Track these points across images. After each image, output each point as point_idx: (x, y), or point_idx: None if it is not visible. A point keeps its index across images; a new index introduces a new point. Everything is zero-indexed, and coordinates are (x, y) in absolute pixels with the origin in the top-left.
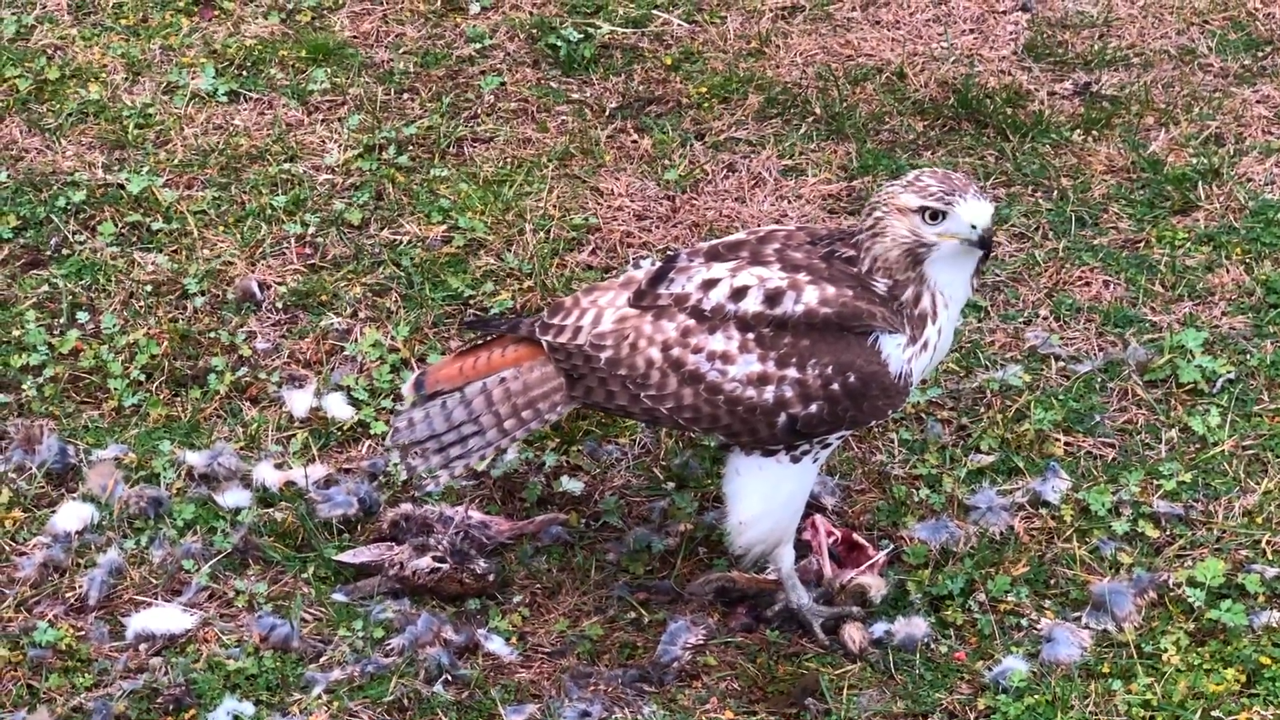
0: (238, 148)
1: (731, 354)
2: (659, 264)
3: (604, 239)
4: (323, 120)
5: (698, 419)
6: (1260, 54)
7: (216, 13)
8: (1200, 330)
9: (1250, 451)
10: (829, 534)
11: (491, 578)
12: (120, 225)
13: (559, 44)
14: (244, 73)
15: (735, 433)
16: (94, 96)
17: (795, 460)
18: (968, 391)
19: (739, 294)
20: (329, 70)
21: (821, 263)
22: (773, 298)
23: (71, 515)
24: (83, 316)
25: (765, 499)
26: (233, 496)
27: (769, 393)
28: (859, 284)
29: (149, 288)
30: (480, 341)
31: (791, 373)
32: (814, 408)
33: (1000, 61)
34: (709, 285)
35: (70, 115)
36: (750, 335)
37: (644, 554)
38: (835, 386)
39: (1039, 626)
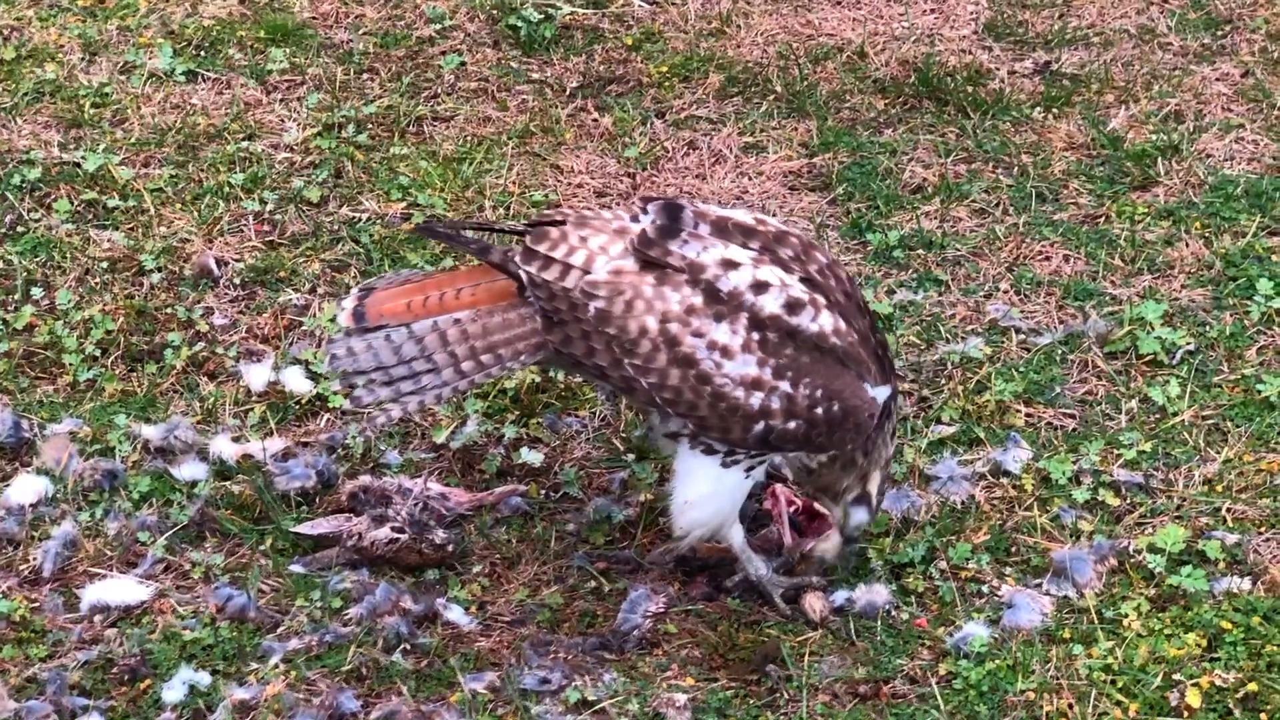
0: (195, 126)
1: (732, 349)
2: (662, 214)
3: None
4: (281, 100)
5: (676, 402)
6: (1219, 32)
7: None
8: (1160, 303)
9: (1209, 421)
10: (790, 503)
11: (450, 548)
12: (76, 203)
13: (519, 24)
14: (202, 53)
15: (707, 425)
16: (50, 76)
17: (724, 466)
18: (929, 364)
19: (759, 288)
20: (288, 50)
21: (842, 298)
22: (792, 306)
23: (26, 488)
24: (37, 293)
25: (714, 480)
26: (189, 469)
27: (756, 399)
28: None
29: (105, 264)
30: (430, 275)
31: (784, 386)
32: (792, 425)
33: (961, 40)
34: (728, 265)
35: (26, 94)
36: (756, 335)
37: (604, 524)
38: (819, 410)
39: (1000, 593)
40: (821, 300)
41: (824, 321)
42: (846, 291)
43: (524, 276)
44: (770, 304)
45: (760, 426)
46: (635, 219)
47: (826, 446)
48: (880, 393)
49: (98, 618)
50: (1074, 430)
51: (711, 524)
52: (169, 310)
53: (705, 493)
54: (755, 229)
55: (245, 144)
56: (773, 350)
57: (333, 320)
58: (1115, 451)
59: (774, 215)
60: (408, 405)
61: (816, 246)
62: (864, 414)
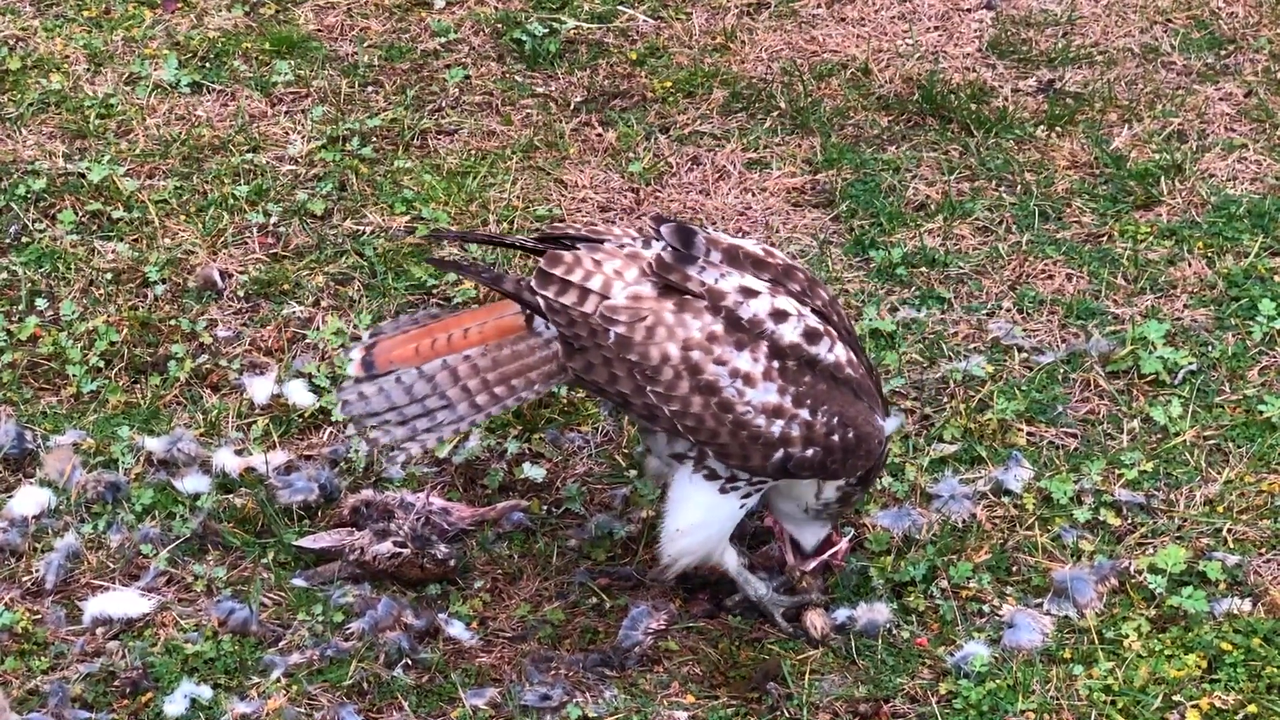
0: (200, 138)
1: (754, 376)
2: (676, 237)
3: None
4: (286, 112)
5: (698, 430)
6: (1222, 52)
7: (179, 5)
8: (1162, 322)
9: (1211, 441)
10: None
11: (452, 563)
12: (81, 214)
13: (524, 38)
14: (207, 64)
15: (728, 454)
16: (55, 86)
17: (723, 492)
18: (931, 382)
19: (779, 316)
20: (293, 63)
21: (844, 334)
22: (810, 335)
23: (28, 500)
24: (42, 304)
25: (707, 510)
26: (192, 482)
27: (777, 427)
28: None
29: (109, 276)
30: (436, 316)
31: (804, 414)
32: (810, 452)
33: (965, 58)
34: (748, 293)
35: (31, 105)
36: (776, 363)
37: (606, 540)
38: (835, 438)
39: (1001, 613)
40: (834, 333)
41: (839, 352)
42: (847, 329)
43: (540, 303)
44: (790, 333)
45: (780, 454)
46: (647, 243)
47: (840, 473)
48: (888, 423)
49: (100, 630)
50: (1075, 449)
51: (699, 553)
52: (173, 322)
53: (696, 521)
54: (765, 260)
55: (250, 156)
56: (792, 378)
57: (337, 335)
58: (1117, 471)
59: (778, 231)
60: (426, 442)
61: (819, 284)
62: (874, 440)
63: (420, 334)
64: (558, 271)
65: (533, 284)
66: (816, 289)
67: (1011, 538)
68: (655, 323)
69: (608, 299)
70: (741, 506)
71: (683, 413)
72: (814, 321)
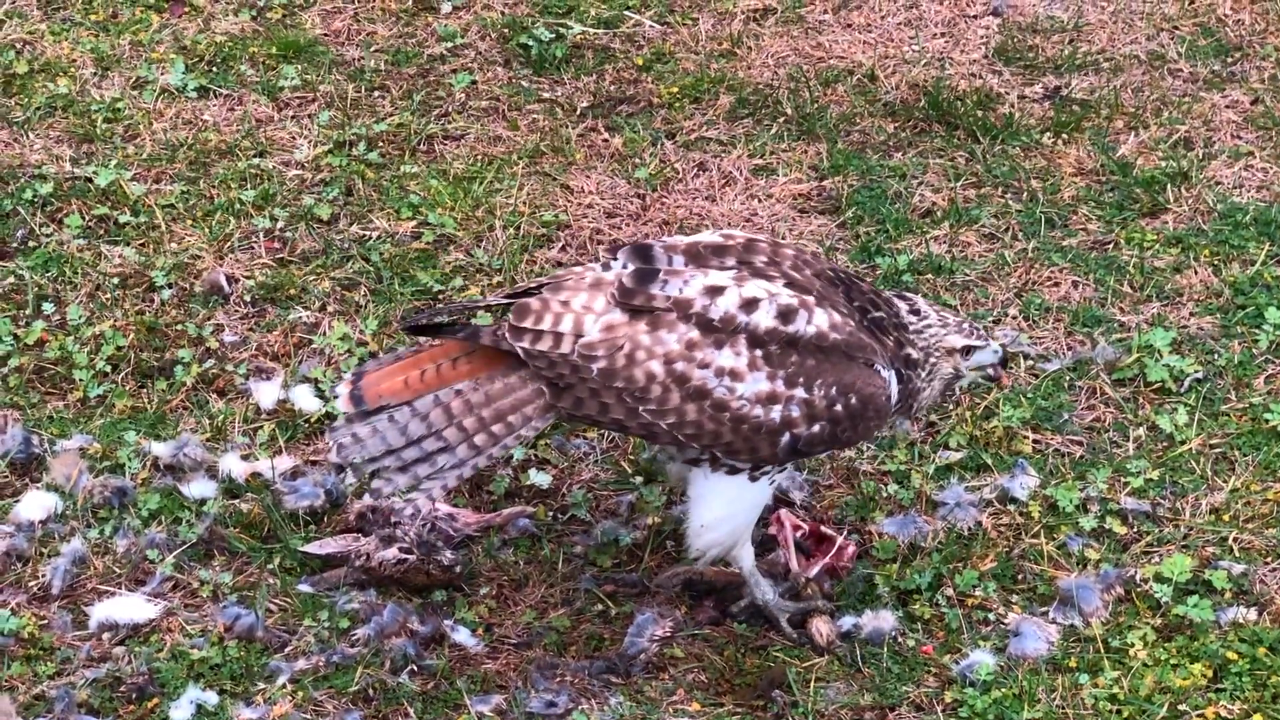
0: (207, 143)
1: (740, 371)
2: (633, 259)
3: (574, 236)
4: (293, 116)
5: (699, 435)
6: (1229, 59)
7: (186, 9)
8: (1168, 330)
9: (1217, 450)
10: (795, 528)
11: (458, 569)
12: (87, 218)
13: (530, 43)
14: (214, 69)
15: (735, 450)
16: (62, 91)
17: (753, 480)
18: None
19: (750, 306)
20: (299, 67)
21: (822, 285)
22: (785, 314)
23: (35, 504)
24: (48, 308)
25: (729, 503)
26: (198, 487)
27: (776, 412)
28: (872, 333)
29: (116, 280)
30: (423, 347)
31: (799, 393)
32: (817, 428)
33: (971, 65)
34: (713, 292)
35: (38, 109)
36: (759, 352)
37: (611, 547)
38: (838, 407)
39: (1006, 621)
40: (810, 299)
41: (819, 320)
42: (820, 272)
43: (520, 352)
44: (764, 318)
45: (787, 438)
46: (606, 267)
47: (854, 440)
48: (890, 373)
49: (106, 635)
50: (1081, 457)
51: (727, 544)
52: (179, 327)
53: (721, 514)
54: (725, 245)
55: (256, 161)
56: (779, 361)
57: (344, 340)
58: (1122, 479)
59: (784, 237)
60: (431, 491)
61: (782, 242)
62: (881, 398)
63: (408, 365)
64: (527, 323)
65: (507, 335)
66: (781, 250)
67: (1017, 546)
68: (633, 347)
69: (582, 336)
70: (771, 484)
71: (679, 423)
72: (787, 298)
